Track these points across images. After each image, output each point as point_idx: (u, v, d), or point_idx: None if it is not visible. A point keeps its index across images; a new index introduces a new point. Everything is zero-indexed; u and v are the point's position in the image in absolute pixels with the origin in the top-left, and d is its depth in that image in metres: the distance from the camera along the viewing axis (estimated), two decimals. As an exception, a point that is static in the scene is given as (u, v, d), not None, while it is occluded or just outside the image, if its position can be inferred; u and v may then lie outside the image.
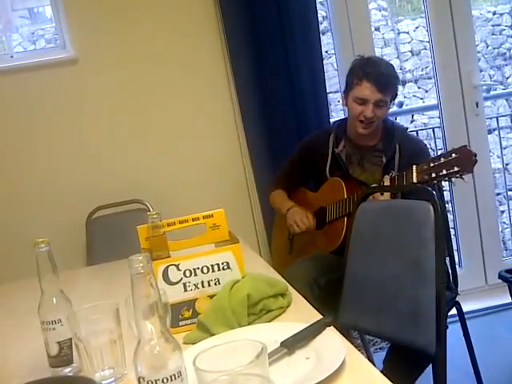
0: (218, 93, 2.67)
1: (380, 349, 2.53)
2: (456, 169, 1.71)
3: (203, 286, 1.18)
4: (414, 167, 1.80)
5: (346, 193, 2.08)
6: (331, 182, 2.18)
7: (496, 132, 3.98)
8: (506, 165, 4.63)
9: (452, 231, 2.92)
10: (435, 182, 1.78)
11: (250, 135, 2.66)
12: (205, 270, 1.18)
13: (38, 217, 2.57)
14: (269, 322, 1.15)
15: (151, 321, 0.78)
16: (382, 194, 1.86)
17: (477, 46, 3.03)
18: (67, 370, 1.06)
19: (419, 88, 5.41)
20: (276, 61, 2.59)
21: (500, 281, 2.43)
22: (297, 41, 2.57)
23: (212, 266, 1.18)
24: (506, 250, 3.65)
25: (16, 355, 1.22)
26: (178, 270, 1.17)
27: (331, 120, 2.63)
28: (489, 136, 3.18)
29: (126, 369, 1.01)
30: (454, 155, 1.72)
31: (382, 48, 5.31)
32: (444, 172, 1.72)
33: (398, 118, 3.78)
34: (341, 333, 1.04)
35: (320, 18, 2.71)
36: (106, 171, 2.62)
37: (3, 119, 2.54)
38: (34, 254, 1.05)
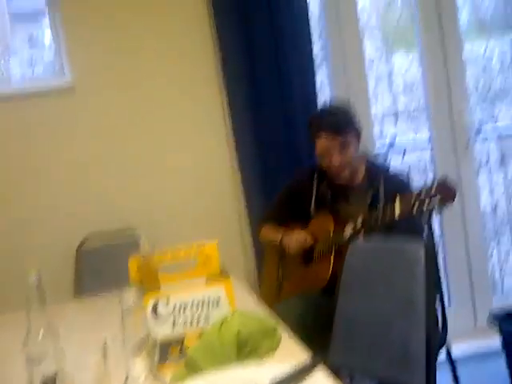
0: (214, 124, 2.69)
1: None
2: (438, 198, 1.76)
3: (192, 323, 1.17)
4: (398, 198, 1.85)
5: (334, 228, 2.09)
6: (319, 218, 2.19)
7: (486, 170, 4.02)
8: (496, 205, 4.67)
9: (442, 270, 2.91)
10: (421, 214, 1.83)
11: (244, 168, 2.67)
12: (195, 305, 1.17)
13: (27, 247, 2.52)
14: (258, 359, 1.13)
15: (140, 357, 0.77)
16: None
17: (468, 83, 3.07)
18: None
19: (411, 123, 5.48)
20: (270, 93, 2.60)
21: (490, 322, 2.42)
22: (291, 70, 2.60)
23: (202, 301, 1.17)
24: (496, 291, 3.64)
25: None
26: (168, 304, 1.16)
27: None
28: (479, 174, 3.21)
29: (112, 405, 0.99)
30: (434, 185, 1.77)
31: (375, 82, 5.39)
32: (426, 202, 1.77)
33: (388, 154, 3.81)
34: (331, 371, 1.03)
35: (315, 51, 2.75)
36: (97, 199, 2.60)
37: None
38: (23, 285, 1.03)
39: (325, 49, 2.87)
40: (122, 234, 2.56)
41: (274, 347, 1.18)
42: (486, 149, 3.83)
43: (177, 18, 2.64)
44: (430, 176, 3.27)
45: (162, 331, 1.13)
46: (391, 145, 3.24)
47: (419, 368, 1.41)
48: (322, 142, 2.10)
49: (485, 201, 3.64)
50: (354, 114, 2.16)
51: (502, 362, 2.40)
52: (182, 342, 1.16)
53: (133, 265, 1.23)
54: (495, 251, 4.02)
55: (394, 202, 1.85)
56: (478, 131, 3.17)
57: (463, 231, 2.92)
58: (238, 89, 2.61)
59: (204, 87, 2.67)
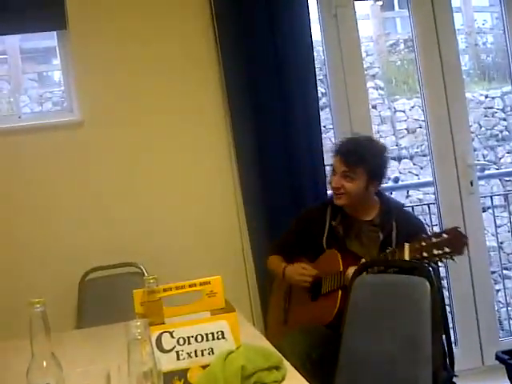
0: (218, 159, 2.72)
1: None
2: (447, 250, 1.74)
3: (196, 356, 1.16)
4: (407, 245, 1.83)
5: (342, 265, 2.08)
6: (328, 254, 2.19)
7: (490, 210, 4.03)
8: (501, 243, 4.66)
9: (448, 309, 2.89)
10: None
11: (247, 202, 2.68)
12: (199, 338, 1.16)
13: (31, 278, 2.53)
14: (262, 395, 1.12)
15: (144, 389, 0.76)
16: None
17: (470, 126, 3.11)
18: None
19: (414, 164, 5.53)
20: (275, 131, 2.65)
21: (497, 362, 2.38)
22: (297, 114, 2.65)
23: (206, 334, 1.17)
24: (503, 330, 3.59)
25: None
26: (172, 337, 1.15)
27: (329, 192, 2.67)
28: (483, 214, 3.21)
29: None
30: (445, 235, 1.76)
31: (378, 125, 5.46)
32: (435, 252, 1.76)
33: (393, 194, 3.84)
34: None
35: (319, 94, 2.80)
36: (101, 234, 2.61)
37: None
38: (28, 315, 1.03)
39: (328, 94, 2.92)
40: (125, 266, 2.56)
41: (278, 383, 1.17)
42: (489, 189, 3.84)
43: (182, 55, 2.70)
44: (434, 216, 3.27)
45: (166, 363, 1.12)
46: (395, 180, 3.25)
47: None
48: (334, 162, 2.20)
49: (489, 240, 3.63)
50: (375, 154, 2.18)
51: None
52: (186, 375, 1.15)
53: (137, 297, 1.23)
54: (501, 289, 3.98)
55: (404, 248, 1.83)
56: (482, 171, 3.19)
57: (469, 269, 2.91)
58: (244, 137, 2.66)
59: (213, 133, 2.72)
